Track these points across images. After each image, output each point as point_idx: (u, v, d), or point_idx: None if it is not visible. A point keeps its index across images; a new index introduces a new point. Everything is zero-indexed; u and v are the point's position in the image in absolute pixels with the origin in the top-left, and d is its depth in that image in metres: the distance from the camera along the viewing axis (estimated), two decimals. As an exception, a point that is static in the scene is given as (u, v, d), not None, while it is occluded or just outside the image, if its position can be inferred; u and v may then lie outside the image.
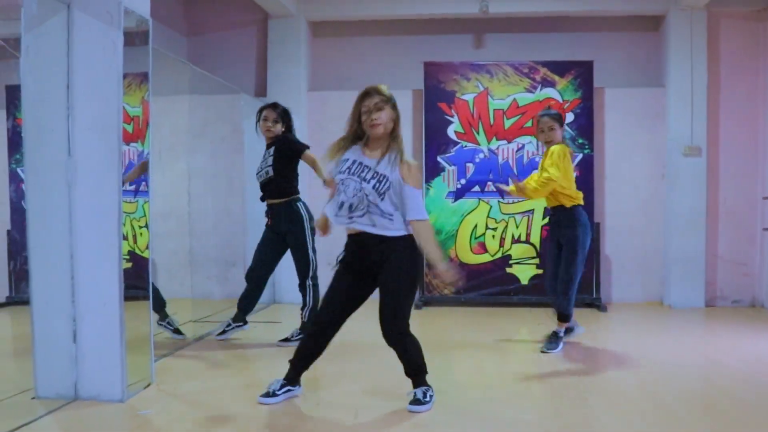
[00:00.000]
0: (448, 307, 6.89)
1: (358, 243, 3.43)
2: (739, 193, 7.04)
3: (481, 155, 6.93)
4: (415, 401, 3.42)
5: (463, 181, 6.93)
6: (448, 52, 7.33)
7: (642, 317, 6.49)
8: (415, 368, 3.49)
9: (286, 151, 4.97)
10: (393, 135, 3.40)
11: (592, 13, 7.18)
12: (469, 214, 6.93)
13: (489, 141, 6.90)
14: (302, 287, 5.12)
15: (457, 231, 6.93)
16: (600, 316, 6.52)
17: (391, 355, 3.52)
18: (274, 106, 5.07)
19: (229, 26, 7.51)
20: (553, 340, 4.89)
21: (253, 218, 7.14)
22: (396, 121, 3.40)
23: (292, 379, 3.60)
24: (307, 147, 5.01)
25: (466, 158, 6.94)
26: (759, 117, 7.03)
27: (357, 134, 3.47)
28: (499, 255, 6.92)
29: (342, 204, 3.38)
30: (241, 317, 5.28)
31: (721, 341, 4.84)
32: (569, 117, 6.88)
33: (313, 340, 3.56)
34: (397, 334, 3.43)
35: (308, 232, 5.01)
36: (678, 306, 6.78)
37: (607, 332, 5.88)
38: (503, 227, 6.93)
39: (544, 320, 5.98)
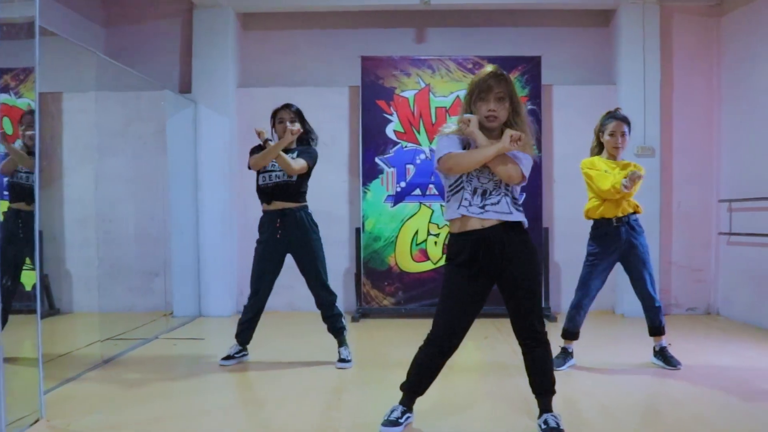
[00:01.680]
0: (387, 319, 6.40)
1: (484, 238, 2.93)
2: (694, 195, 6.71)
3: (423, 156, 6.47)
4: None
5: (403, 184, 6.47)
6: (388, 47, 6.87)
7: (592, 327, 6.04)
8: (551, 382, 3.11)
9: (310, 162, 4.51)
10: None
11: (540, 7, 6.80)
12: (409, 219, 6.47)
13: (431, 141, 6.44)
14: (327, 301, 4.59)
15: (396, 237, 6.46)
16: (548, 326, 6.06)
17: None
18: (288, 105, 4.56)
19: (151, 17, 6.93)
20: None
21: (178, 224, 6.61)
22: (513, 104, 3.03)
23: (409, 405, 3.16)
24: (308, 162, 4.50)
25: (406, 159, 6.48)
26: (714, 116, 6.71)
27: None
28: (441, 263, 6.46)
29: (475, 191, 2.94)
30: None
31: (674, 351, 4.50)
32: (515, 115, 6.46)
33: (433, 358, 3.09)
34: (545, 342, 3.07)
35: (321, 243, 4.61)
36: (630, 315, 6.39)
37: (554, 343, 5.43)
38: (446, 233, 6.44)
39: (492, 333, 5.54)
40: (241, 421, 3.46)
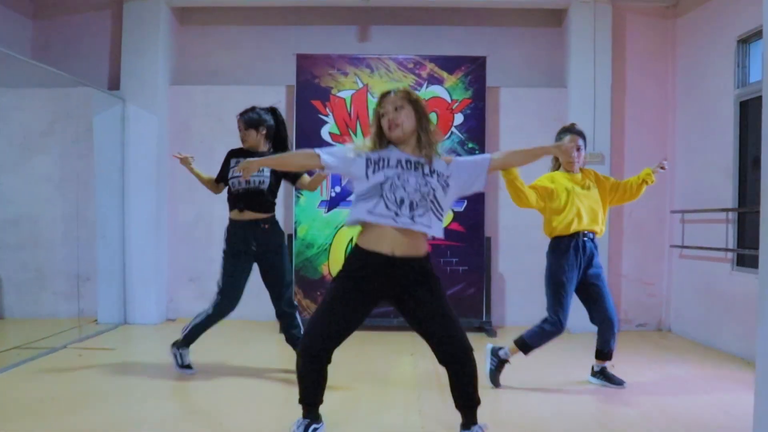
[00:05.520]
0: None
1: (390, 260, 2.81)
2: (646, 206, 6.36)
3: (360, 160, 6.14)
4: None
5: (338, 189, 6.15)
6: (329, 45, 6.55)
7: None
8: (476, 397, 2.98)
9: (290, 174, 4.38)
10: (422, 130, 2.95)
11: (489, 5, 6.51)
12: (344, 225, 6.13)
13: (369, 144, 6.11)
14: (288, 312, 4.41)
15: (330, 245, 6.14)
16: (487, 341, 5.76)
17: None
18: (243, 113, 4.38)
19: (81, 8, 6.59)
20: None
21: (105, 226, 6.30)
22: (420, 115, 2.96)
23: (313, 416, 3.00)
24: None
25: (342, 163, 6.15)
26: (668, 122, 6.40)
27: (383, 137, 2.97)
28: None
29: (402, 201, 2.80)
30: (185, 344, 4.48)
31: (621, 371, 4.23)
32: (458, 118, 6.17)
33: (313, 368, 2.94)
34: (469, 351, 2.91)
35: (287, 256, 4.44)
36: (577, 330, 6.03)
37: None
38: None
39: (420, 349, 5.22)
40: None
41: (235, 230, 4.31)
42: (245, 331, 5.91)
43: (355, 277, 2.86)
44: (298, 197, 6.12)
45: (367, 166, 2.85)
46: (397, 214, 2.78)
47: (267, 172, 4.29)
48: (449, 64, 6.20)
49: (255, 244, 4.28)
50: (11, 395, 3.90)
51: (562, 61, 6.56)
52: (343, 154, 2.92)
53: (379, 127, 2.92)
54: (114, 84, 6.46)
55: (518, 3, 6.42)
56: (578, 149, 4.14)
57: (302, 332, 4.28)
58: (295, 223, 6.15)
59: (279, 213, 6.41)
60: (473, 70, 6.18)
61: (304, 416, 2.96)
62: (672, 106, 6.35)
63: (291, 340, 4.41)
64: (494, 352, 4.27)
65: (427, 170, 2.85)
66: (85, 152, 6.40)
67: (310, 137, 6.12)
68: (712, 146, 5.69)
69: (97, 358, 4.94)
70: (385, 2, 6.34)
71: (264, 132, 4.36)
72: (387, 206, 2.79)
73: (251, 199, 4.27)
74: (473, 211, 6.11)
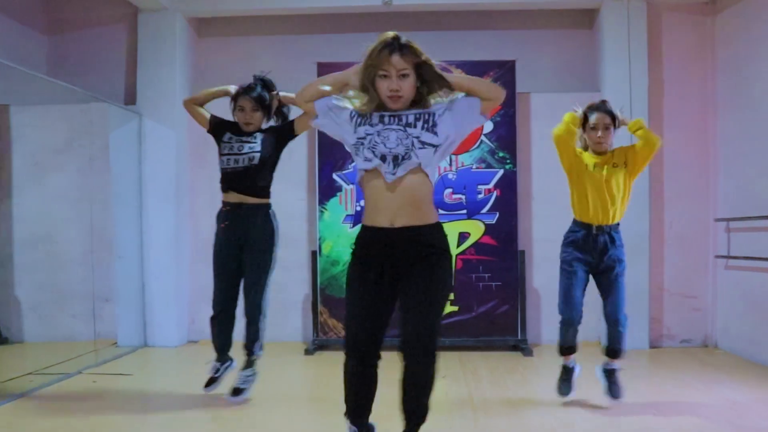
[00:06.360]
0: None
1: (389, 232, 2.53)
2: (688, 214, 6.04)
3: (385, 172, 5.89)
4: None
5: (363, 203, 5.89)
6: (351, 53, 6.25)
7: (573, 363, 5.45)
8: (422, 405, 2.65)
9: (282, 131, 4.08)
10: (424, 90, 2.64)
11: (516, 7, 6.21)
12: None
13: (394, 155, 5.86)
14: (252, 321, 4.08)
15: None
16: (523, 361, 5.48)
17: None
18: (249, 89, 4.09)
19: (95, 22, 6.42)
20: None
21: (123, 245, 6.10)
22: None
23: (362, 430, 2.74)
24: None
25: (366, 175, 5.90)
26: (709, 126, 6.05)
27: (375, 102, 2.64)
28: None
29: (384, 158, 2.53)
30: (223, 357, 4.23)
31: (664, 389, 3.93)
32: (487, 126, 5.89)
33: (361, 377, 2.66)
34: (429, 353, 2.56)
35: (275, 255, 4.09)
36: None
37: (526, 382, 4.83)
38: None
39: (452, 372, 4.93)
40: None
41: (219, 210, 4.08)
42: (267, 355, 5.63)
43: (361, 258, 2.60)
44: (322, 212, 5.87)
45: (351, 118, 2.64)
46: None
47: (259, 142, 4.00)
48: (477, 69, 5.89)
49: (230, 227, 4.00)
50: (19, 425, 3.70)
51: (594, 63, 6.25)
52: (336, 116, 2.70)
53: (372, 85, 2.58)
54: (130, 98, 6.27)
55: (547, 4, 6.13)
56: (606, 128, 3.89)
57: (260, 340, 4.10)
58: (319, 239, 5.90)
59: (303, 229, 6.22)
60: (502, 75, 5.90)
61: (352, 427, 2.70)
62: (713, 108, 6.01)
63: (248, 343, 4.11)
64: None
65: (411, 119, 2.57)
66: (101, 169, 6.22)
67: (333, 149, 5.87)
68: (759, 150, 5.34)
69: (113, 384, 4.72)
70: (408, 7, 6.09)
71: (267, 114, 4.12)
72: (368, 159, 2.54)
73: (240, 179, 3.98)
74: (505, 224, 5.82)
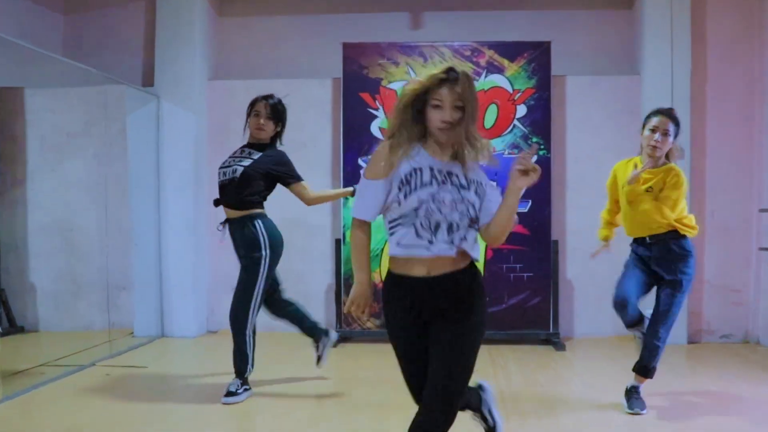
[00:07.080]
0: (371, 344, 5.59)
1: (434, 282, 2.25)
2: (731, 204, 5.76)
3: (413, 157, 5.64)
4: None
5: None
6: (379, 34, 6.06)
7: (608, 357, 5.21)
8: None
9: (273, 173, 3.95)
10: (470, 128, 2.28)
11: (552, -14, 5.94)
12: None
13: (423, 140, 5.61)
14: (234, 336, 3.94)
15: (382, 250, 5.63)
16: (555, 356, 5.25)
17: None
18: (267, 98, 3.99)
19: (112, 1, 6.20)
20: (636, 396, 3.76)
21: (140, 232, 5.90)
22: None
23: None
24: (301, 179, 4.02)
25: (394, 161, 5.65)
26: (754, 112, 5.76)
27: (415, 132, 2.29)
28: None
29: (438, 226, 2.21)
30: (318, 333, 4.30)
31: (703, 386, 3.72)
32: (521, 110, 5.62)
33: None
34: (449, 413, 2.26)
35: (264, 266, 3.87)
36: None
37: (559, 378, 4.60)
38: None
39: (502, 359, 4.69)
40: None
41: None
42: (289, 347, 5.42)
43: (393, 301, 2.33)
44: (346, 199, 5.64)
45: (399, 189, 2.22)
46: (431, 242, 2.20)
47: (247, 161, 3.88)
48: (510, 50, 5.65)
49: (234, 247, 3.99)
50: (28, 421, 3.54)
51: (634, 46, 5.96)
52: (374, 194, 2.28)
53: (417, 117, 2.26)
54: (148, 80, 6.05)
55: (585, -18, 5.85)
56: (665, 134, 3.64)
57: (248, 354, 3.94)
58: (344, 227, 5.67)
59: (327, 217, 5.99)
60: (536, 57, 5.63)
61: None
62: (759, 94, 5.71)
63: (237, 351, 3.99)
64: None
65: (463, 180, 2.26)
66: (119, 154, 6.01)
67: (360, 133, 5.64)
68: (809, 137, 5.06)
69: (126, 377, 4.54)
70: (439, -14, 5.83)
71: (278, 129, 4.02)
72: (418, 234, 2.21)
73: (225, 191, 3.96)
74: (538, 212, 5.57)
